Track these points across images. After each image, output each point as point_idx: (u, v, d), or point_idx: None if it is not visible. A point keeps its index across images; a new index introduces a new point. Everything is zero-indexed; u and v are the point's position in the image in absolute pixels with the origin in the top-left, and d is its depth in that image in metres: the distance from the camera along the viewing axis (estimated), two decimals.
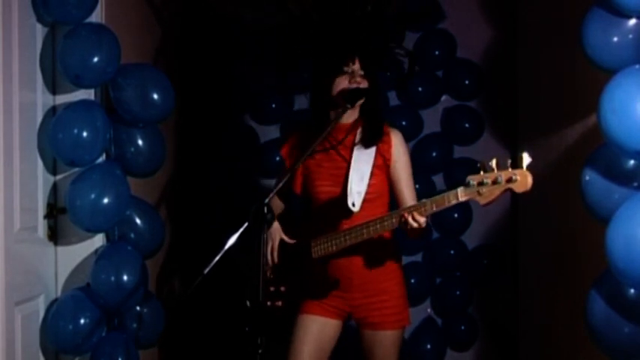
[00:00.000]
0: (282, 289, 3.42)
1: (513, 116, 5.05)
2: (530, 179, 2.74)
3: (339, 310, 3.43)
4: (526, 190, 2.76)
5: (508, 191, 2.80)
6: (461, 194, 2.88)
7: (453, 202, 2.92)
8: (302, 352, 3.38)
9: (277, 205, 3.55)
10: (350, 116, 3.37)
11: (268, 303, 3.37)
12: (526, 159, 2.73)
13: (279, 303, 3.41)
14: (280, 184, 2.94)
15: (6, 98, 3.24)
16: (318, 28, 3.53)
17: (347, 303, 3.40)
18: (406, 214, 3.04)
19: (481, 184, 2.82)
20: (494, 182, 2.79)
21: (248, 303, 3.14)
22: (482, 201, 2.85)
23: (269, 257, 3.44)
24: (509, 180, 2.76)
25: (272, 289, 3.42)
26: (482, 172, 2.82)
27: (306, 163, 3.43)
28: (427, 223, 3.08)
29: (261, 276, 2.70)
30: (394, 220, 3.11)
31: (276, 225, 3.44)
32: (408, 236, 3.22)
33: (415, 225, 3.02)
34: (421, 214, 3.02)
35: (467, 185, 2.86)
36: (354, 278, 3.36)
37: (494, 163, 2.81)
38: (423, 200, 3.04)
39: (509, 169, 2.77)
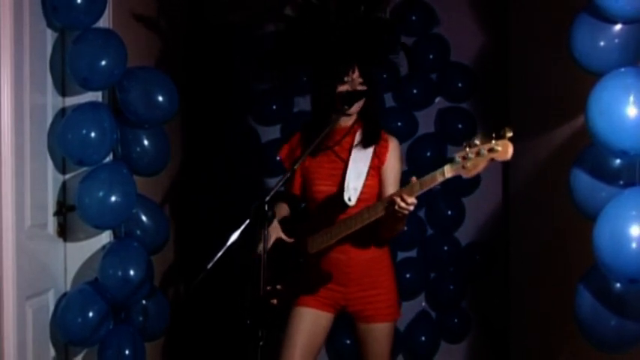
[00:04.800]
0: (278, 287, 3.45)
1: (504, 117, 5.08)
2: (511, 149, 2.74)
3: (334, 303, 3.47)
4: (506, 159, 2.76)
5: (492, 161, 2.79)
6: (447, 171, 2.89)
7: (440, 179, 2.93)
8: (295, 342, 3.42)
9: (284, 208, 3.59)
10: (349, 119, 3.42)
11: None
12: (509, 132, 2.73)
13: (274, 301, 3.44)
14: (280, 183, 2.95)
15: (17, 100, 3.27)
16: (314, 37, 3.56)
17: (343, 296, 3.45)
18: (395, 197, 3.05)
19: (465, 158, 2.83)
20: (478, 154, 2.80)
21: (247, 304, 3.22)
22: (467, 174, 2.84)
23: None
24: (491, 150, 2.76)
25: (268, 287, 3.42)
26: (467, 149, 2.83)
27: (307, 165, 3.47)
28: (420, 218, 3.12)
29: (262, 271, 2.75)
30: (386, 204, 3.12)
31: (274, 224, 3.47)
32: (387, 232, 3.29)
33: (404, 205, 3.02)
34: (410, 195, 3.03)
35: (452, 162, 2.87)
36: (352, 272, 3.42)
37: (478, 137, 2.82)
38: (412, 180, 3.03)
39: (492, 141, 2.77)
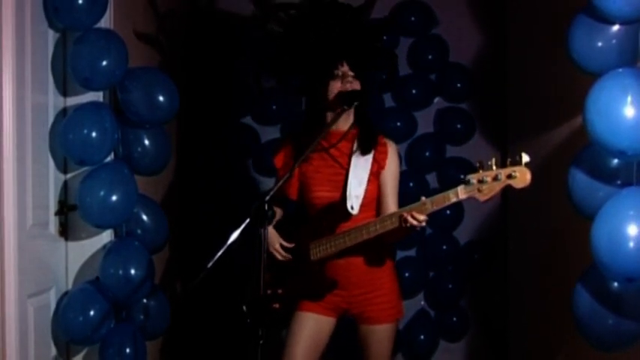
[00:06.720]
0: (280, 291, 3.46)
1: (503, 117, 5.12)
2: (529, 176, 2.78)
3: (336, 307, 3.47)
4: (525, 186, 2.80)
5: (507, 187, 2.84)
6: (461, 192, 2.92)
7: (453, 200, 2.96)
8: (297, 348, 3.43)
9: (277, 212, 3.52)
10: (345, 122, 3.41)
11: None
12: (525, 157, 2.77)
13: (277, 305, 3.45)
14: (280, 183, 2.96)
15: (19, 100, 3.27)
16: (302, 39, 3.58)
17: (345, 300, 3.45)
18: (406, 214, 3.07)
19: (481, 181, 2.86)
20: (495, 179, 2.83)
21: (244, 307, 3.18)
22: (482, 198, 2.88)
23: (278, 256, 3.47)
24: (509, 176, 2.80)
25: (269, 291, 3.43)
26: (481, 171, 2.87)
27: (304, 170, 3.46)
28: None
29: (262, 271, 2.74)
30: (394, 220, 3.13)
31: (273, 232, 3.48)
32: (389, 240, 3.29)
33: (415, 223, 3.05)
34: (421, 213, 3.05)
35: (467, 183, 2.90)
36: (353, 276, 3.41)
37: (493, 161, 2.86)
38: (423, 199, 3.05)
39: (509, 167, 2.82)
